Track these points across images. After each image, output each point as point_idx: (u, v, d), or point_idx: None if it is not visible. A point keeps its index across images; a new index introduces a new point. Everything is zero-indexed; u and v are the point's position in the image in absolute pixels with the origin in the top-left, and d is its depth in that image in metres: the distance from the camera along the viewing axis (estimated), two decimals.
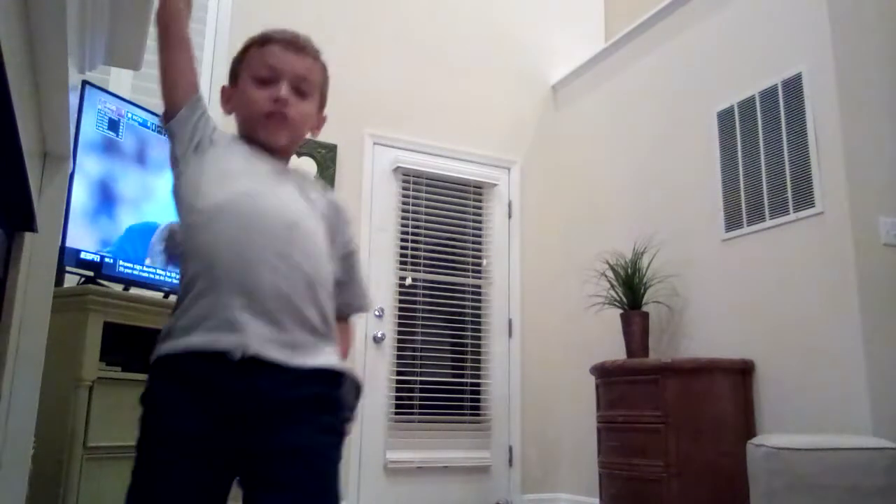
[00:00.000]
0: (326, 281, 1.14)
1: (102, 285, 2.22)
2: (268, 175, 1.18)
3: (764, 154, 3.21)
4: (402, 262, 4.15)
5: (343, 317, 1.25)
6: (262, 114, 1.20)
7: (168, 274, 2.55)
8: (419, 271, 4.19)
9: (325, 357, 1.08)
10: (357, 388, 1.13)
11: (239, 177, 1.15)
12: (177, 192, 1.18)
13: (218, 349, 1.01)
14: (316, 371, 1.06)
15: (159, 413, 1.05)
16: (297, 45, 1.24)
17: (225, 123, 1.29)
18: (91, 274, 2.26)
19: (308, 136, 1.31)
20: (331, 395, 1.08)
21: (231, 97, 1.26)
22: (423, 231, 4.25)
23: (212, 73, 3.68)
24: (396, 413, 3.97)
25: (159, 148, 2.45)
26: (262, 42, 1.24)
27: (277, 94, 1.19)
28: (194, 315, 1.04)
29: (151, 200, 2.44)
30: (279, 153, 1.23)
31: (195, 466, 1.02)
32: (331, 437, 1.07)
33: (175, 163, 1.19)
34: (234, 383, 1.01)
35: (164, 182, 2.53)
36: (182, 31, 1.19)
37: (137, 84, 3.29)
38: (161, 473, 1.02)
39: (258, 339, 1.02)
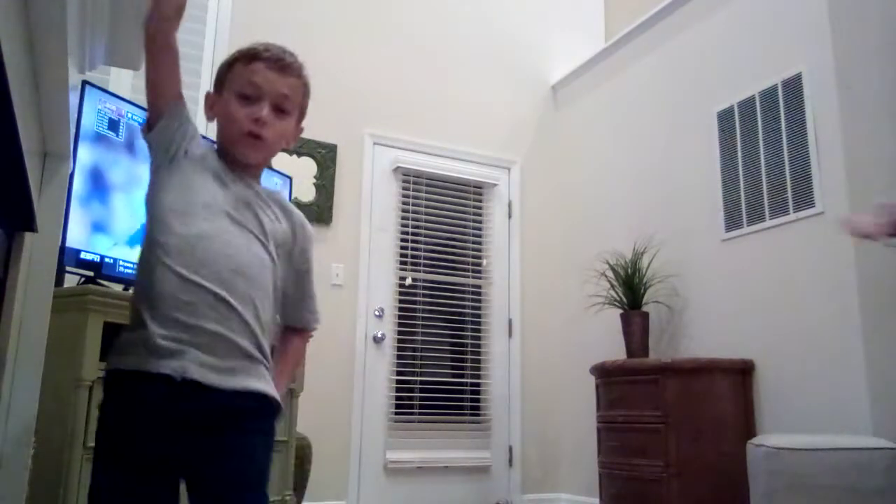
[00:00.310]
0: (265, 317, 1.22)
1: (102, 285, 2.22)
2: (228, 207, 1.22)
3: (764, 154, 3.21)
4: (402, 262, 4.15)
5: (295, 330, 1.36)
6: (241, 132, 1.24)
7: None
8: (419, 271, 4.19)
9: (255, 382, 1.18)
10: (278, 409, 1.24)
11: (198, 213, 1.19)
12: (147, 202, 1.23)
13: (161, 373, 1.11)
14: (248, 391, 1.18)
15: (112, 430, 1.16)
16: (282, 63, 1.27)
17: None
18: (91, 274, 2.25)
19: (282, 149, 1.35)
20: (262, 406, 1.20)
21: (214, 105, 1.29)
22: (423, 231, 4.25)
23: (212, 74, 3.67)
24: (396, 413, 3.97)
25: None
26: (248, 58, 1.26)
27: (258, 114, 1.23)
28: (142, 336, 1.14)
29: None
30: (251, 168, 1.29)
31: (148, 480, 1.13)
32: (264, 438, 1.21)
33: (151, 171, 1.24)
34: (177, 402, 1.12)
35: None
36: (168, 40, 1.20)
37: (137, 84, 3.29)
38: (117, 489, 1.13)
39: (196, 365, 1.12)
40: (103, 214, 2.31)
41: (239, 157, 1.26)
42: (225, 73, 1.28)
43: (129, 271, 2.38)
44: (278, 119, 1.25)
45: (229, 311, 1.15)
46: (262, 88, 1.24)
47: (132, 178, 2.40)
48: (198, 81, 3.55)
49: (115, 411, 1.16)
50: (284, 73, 1.26)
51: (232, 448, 1.15)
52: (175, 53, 1.21)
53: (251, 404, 1.17)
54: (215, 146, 1.29)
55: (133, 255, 2.41)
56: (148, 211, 1.22)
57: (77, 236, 2.19)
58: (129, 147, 2.41)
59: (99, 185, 2.29)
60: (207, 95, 1.31)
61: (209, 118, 1.30)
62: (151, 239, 1.19)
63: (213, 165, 1.25)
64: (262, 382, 1.19)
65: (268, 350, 1.22)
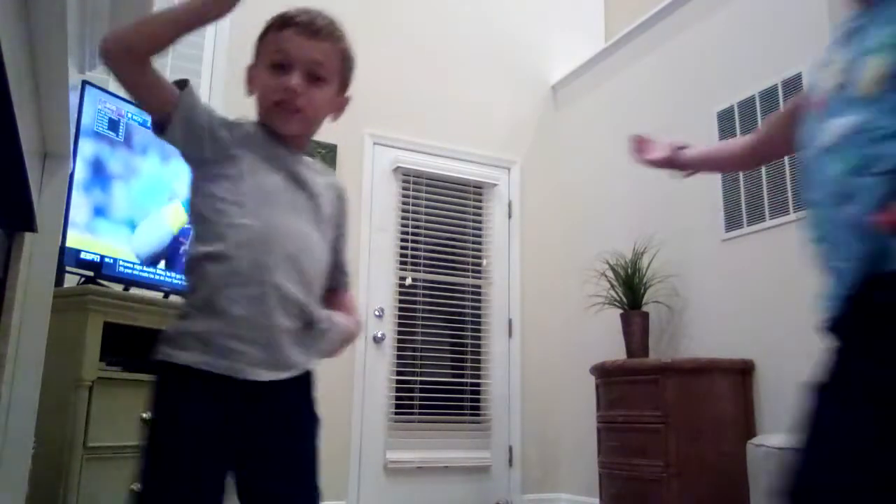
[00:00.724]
0: (317, 297, 1.22)
1: (102, 285, 2.22)
2: (281, 190, 1.18)
3: None
4: (402, 262, 4.15)
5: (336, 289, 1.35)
6: (272, 102, 1.19)
7: (167, 274, 2.55)
8: (419, 271, 4.19)
9: (305, 365, 1.19)
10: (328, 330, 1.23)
11: (257, 202, 1.15)
12: (196, 195, 1.17)
13: (216, 372, 1.09)
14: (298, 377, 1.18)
15: (168, 426, 1.11)
16: (313, 28, 1.20)
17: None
18: (91, 274, 2.26)
19: (329, 120, 1.29)
20: (307, 385, 1.22)
21: (254, 78, 1.24)
22: (423, 231, 4.25)
23: (212, 73, 3.68)
24: (396, 413, 3.97)
25: (158, 145, 2.46)
26: (280, 25, 1.21)
27: (288, 83, 1.17)
28: (198, 331, 1.10)
29: (148, 196, 2.44)
30: (294, 139, 1.23)
31: (203, 477, 1.09)
32: (312, 411, 1.22)
33: (193, 165, 1.18)
34: (233, 401, 1.10)
35: (155, 175, 2.53)
36: (148, 67, 1.11)
37: None
38: (170, 487, 1.09)
39: (250, 365, 1.10)
40: (103, 213, 2.31)
41: (276, 129, 1.20)
42: (259, 43, 1.23)
43: (129, 271, 2.38)
44: (314, 87, 1.19)
45: (287, 303, 1.13)
46: (292, 56, 1.18)
47: (132, 175, 2.40)
48: (198, 81, 3.55)
49: (170, 408, 1.11)
50: (316, 38, 1.19)
51: (289, 447, 1.15)
52: (152, 66, 1.12)
53: (300, 383, 1.18)
54: (258, 123, 1.23)
55: (129, 251, 2.41)
56: (197, 204, 1.17)
57: (78, 236, 2.19)
58: (129, 146, 2.41)
59: (100, 183, 2.29)
60: (247, 69, 1.26)
61: (250, 92, 1.24)
62: (206, 231, 1.14)
63: (260, 144, 1.19)
64: (310, 359, 1.20)
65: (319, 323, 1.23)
